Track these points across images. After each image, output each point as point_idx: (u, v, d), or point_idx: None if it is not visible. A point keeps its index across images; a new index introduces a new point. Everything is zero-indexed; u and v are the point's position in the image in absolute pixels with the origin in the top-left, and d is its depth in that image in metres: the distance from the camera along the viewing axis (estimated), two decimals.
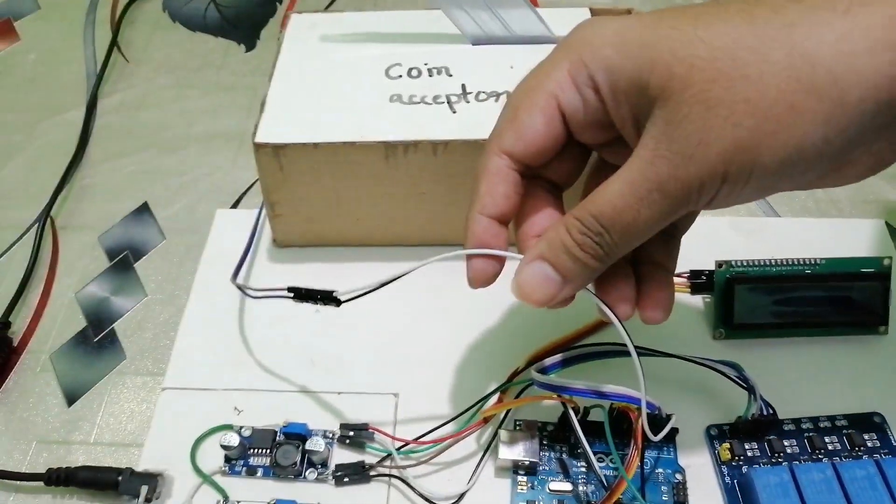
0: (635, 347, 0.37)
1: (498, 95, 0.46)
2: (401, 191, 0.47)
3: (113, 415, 0.46)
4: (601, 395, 0.38)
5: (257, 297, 0.44)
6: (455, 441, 0.42)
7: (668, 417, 0.40)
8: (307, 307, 0.43)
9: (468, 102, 0.46)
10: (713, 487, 0.41)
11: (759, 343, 0.47)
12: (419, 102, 0.46)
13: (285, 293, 0.42)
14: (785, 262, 0.46)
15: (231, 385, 0.46)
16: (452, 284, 0.50)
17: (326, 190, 0.47)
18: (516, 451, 0.41)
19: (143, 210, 0.56)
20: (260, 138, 0.44)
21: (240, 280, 0.49)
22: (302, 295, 0.41)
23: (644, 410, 0.36)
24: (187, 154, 0.60)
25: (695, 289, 0.49)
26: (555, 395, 0.39)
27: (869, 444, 0.42)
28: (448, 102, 0.46)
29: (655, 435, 0.37)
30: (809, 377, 0.45)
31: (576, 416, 0.40)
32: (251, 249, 0.51)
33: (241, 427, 0.43)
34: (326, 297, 0.41)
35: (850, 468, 0.39)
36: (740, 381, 0.41)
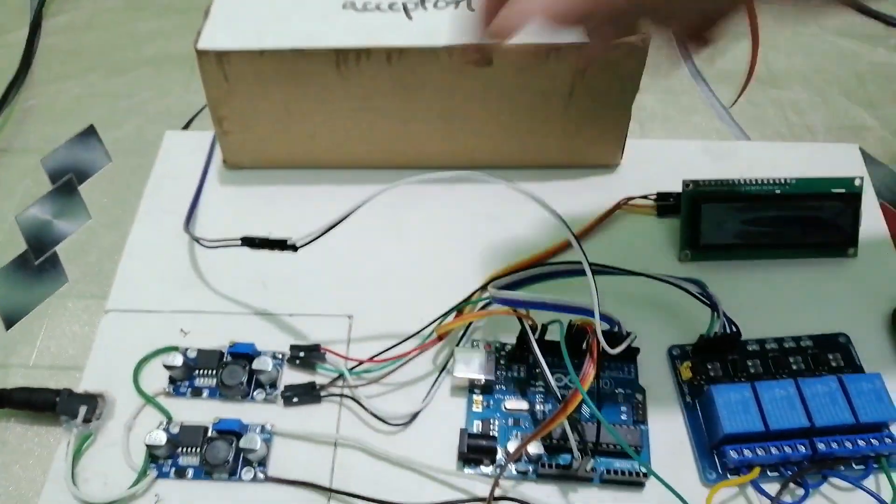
0: (592, 265, 0.35)
1: (457, 2, 0.44)
2: (354, 105, 0.45)
3: (54, 338, 0.44)
4: (557, 307, 0.36)
5: (211, 246, 0.43)
6: (409, 359, 0.41)
7: (628, 335, 0.38)
8: (259, 228, 0.41)
9: (426, 9, 0.43)
10: (673, 406, 0.40)
11: (726, 266, 0.45)
12: (374, 9, 0.43)
13: (238, 244, 0.40)
14: (754, 182, 0.44)
15: (178, 307, 0.44)
16: (410, 206, 0.49)
17: (275, 103, 0.44)
18: (472, 369, 0.39)
19: (89, 133, 0.54)
20: (202, 45, 0.42)
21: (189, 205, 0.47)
22: (256, 244, 0.40)
23: (598, 321, 0.35)
24: (137, 77, 0.57)
25: (661, 211, 0.48)
26: (511, 310, 0.38)
27: (833, 364, 0.41)
28: (404, 9, 0.43)
29: (613, 348, 0.36)
30: (776, 300, 0.44)
31: (533, 333, 0.38)
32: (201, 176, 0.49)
33: (186, 349, 0.41)
34: (282, 245, 0.39)
35: (811, 384, 0.38)
36: (703, 298, 0.40)
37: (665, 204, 0.47)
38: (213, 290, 0.45)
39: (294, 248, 0.39)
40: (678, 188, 0.45)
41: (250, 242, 0.40)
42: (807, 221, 0.45)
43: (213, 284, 0.45)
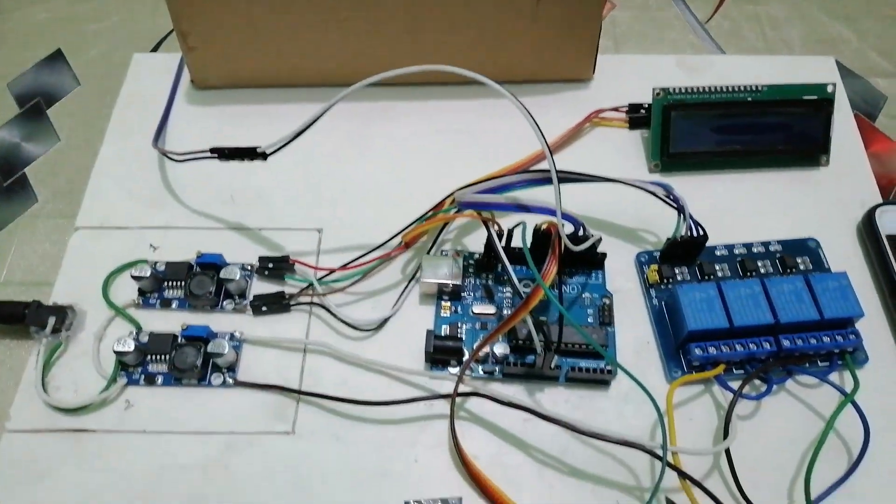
0: (559, 172, 0.35)
1: None
2: (320, 17, 0.44)
3: (24, 256, 0.44)
4: (520, 208, 0.36)
5: (180, 160, 0.42)
6: (377, 265, 0.41)
7: (593, 235, 0.38)
8: (227, 142, 0.41)
9: None
10: (640, 310, 0.40)
11: (697, 176, 0.45)
12: None
13: (208, 155, 0.40)
14: (725, 90, 0.44)
15: (147, 223, 0.44)
16: (380, 120, 0.48)
17: (239, 16, 0.44)
18: (439, 275, 0.39)
19: (57, 57, 0.53)
20: None
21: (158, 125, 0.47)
22: (226, 154, 0.40)
23: (559, 218, 0.35)
24: (103, 1, 0.56)
25: (633, 124, 0.47)
26: (476, 214, 0.38)
27: (801, 267, 0.41)
28: None
29: (576, 245, 0.36)
30: (746, 208, 0.44)
31: (499, 239, 0.38)
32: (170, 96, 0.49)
33: (155, 262, 0.41)
34: (251, 154, 0.39)
35: (777, 283, 0.38)
36: (669, 201, 0.39)
37: (636, 116, 0.47)
38: (183, 205, 0.45)
39: (264, 156, 0.39)
40: (649, 100, 0.45)
41: (220, 153, 0.40)
42: (779, 129, 0.44)
43: (183, 200, 0.45)
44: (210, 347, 0.38)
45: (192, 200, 0.45)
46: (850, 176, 0.45)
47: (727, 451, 0.34)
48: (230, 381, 0.38)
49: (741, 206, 0.44)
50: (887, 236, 0.41)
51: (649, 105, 0.46)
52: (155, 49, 0.53)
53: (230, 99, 0.49)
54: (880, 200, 0.44)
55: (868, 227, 0.43)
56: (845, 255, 0.42)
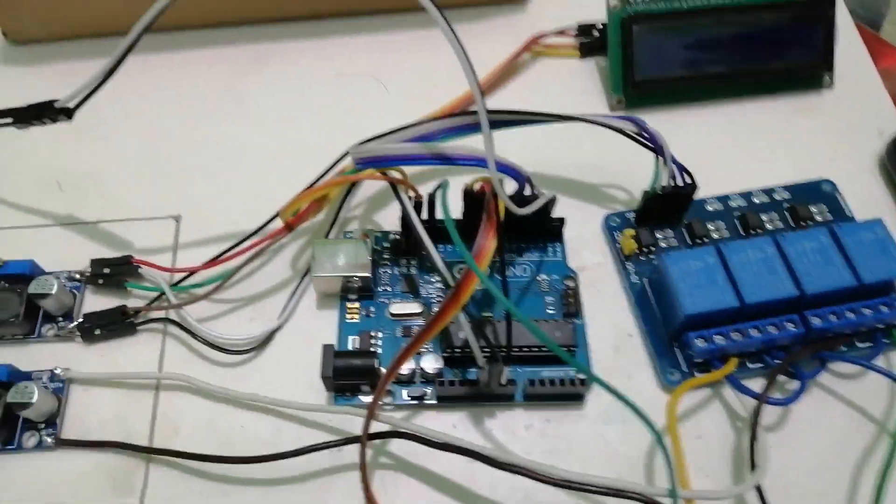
0: (491, 111, 0.24)
1: None
2: None
3: None
4: (439, 158, 0.25)
5: None
6: (251, 257, 0.29)
7: (543, 194, 0.28)
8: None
9: None
10: (616, 292, 0.30)
11: (672, 111, 0.35)
12: None
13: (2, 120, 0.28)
14: None
15: None
16: (255, 66, 0.37)
17: None
18: (340, 266, 0.28)
19: None
20: None
21: None
22: (21, 116, 0.28)
23: (493, 169, 0.24)
24: None
25: (585, 50, 0.37)
26: (378, 174, 0.27)
27: (818, 218, 0.32)
28: None
29: (521, 207, 0.26)
30: (737, 148, 0.34)
31: (417, 211, 0.27)
32: None
33: None
34: (49, 111, 0.27)
35: (795, 241, 0.28)
36: (643, 140, 0.29)
37: (588, 40, 0.36)
38: None
39: (68, 111, 0.27)
40: (603, 18, 0.35)
41: (13, 115, 0.28)
42: (767, 41, 0.34)
43: None
44: (12, 396, 0.26)
45: (2, 191, 0.33)
46: (861, 98, 0.36)
47: (757, 487, 0.24)
48: (49, 440, 0.27)
49: (731, 146, 0.34)
50: None
51: (604, 24, 0.35)
52: None
53: (55, 55, 0.37)
54: None
55: (893, 160, 0.33)
56: (869, 199, 0.33)
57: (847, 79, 0.36)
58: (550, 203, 0.28)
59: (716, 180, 0.32)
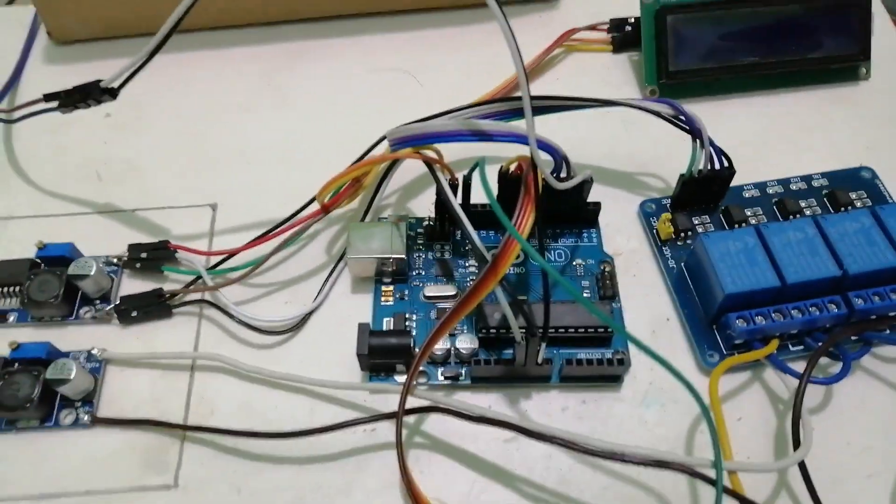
0: (535, 97, 0.24)
1: None
2: None
3: None
4: (477, 135, 0.25)
5: (14, 119, 0.32)
6: (290, 241, 0.29)
7: (584, 174, 0.28)
8: (99, 112, 0.30)
9: None
10: (653, 276, 0.30)
11: (706, 102, 0.35)
12: None
13: (45, 105, 0.29)
14: None
15: None
16: (292, 62, 0.38)
17: None
18: (375, 248, 0.28)
19: None
20: None
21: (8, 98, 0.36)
22: (65, 100, 0.29)
23: (534, 145, 0.24)
24: None
25: (618, 45, 0.37)
26: (415, 153, 0.27)
27: (858, 204, 0.31)
28: None
29: (560, 182, 0.25)
30: (774, 137, 0.34)
31: (453, 191, 0.27)
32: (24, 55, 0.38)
33: None
34: (94, 91, 0.28)
35: (837, 222, 0.27)
36: (680, 123, 0.29)
37: (621, 35, 0.37)
38: (31, 187, 0.33)
39: (112, 91, 0.28)
40: (635, 13, 0.35)
41: (57, 98, 0.29)
42: (802, 32, 0.34)
43: (32, 180, 0.34)
44: (50, 372, 0.26)
45: (44, 180, 0.34)
46: None
47: (801, 464, 0.24)
48: (86, 418, 0.27)
49: (766, 136, 0.34)
50: None
51: (636, 18, 0.35)
52: (10, 2, 0.42)
53: (97, 53, 0.38)
54: None
55: None
56: None
57: (883, 69, 0.36)
58: (587, 183, 0.28)
59: (752, 169, 0.32)
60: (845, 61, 0.35)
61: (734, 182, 0.30)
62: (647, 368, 0.27)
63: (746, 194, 0.31)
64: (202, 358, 0.28)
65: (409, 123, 0.28)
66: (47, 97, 0.29)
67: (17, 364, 0.27)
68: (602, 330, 0.27)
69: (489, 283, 0.23)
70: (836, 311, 0.26)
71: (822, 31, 0.34)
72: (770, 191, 0.32)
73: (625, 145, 0.33)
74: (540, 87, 0.36)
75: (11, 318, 0.29)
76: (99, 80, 0.27)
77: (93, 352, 0.28)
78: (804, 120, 0.34)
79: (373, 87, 0.36)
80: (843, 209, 0.31)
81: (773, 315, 0.26)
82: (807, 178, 0.32)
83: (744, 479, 0.23)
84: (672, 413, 0.26)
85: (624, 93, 0.36)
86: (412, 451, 0.26)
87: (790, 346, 0.27)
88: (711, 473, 0.22)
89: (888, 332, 0.27)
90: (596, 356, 0.26)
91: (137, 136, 0.35)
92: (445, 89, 0.36)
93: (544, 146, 0.26)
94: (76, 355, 0.28)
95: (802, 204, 0.31)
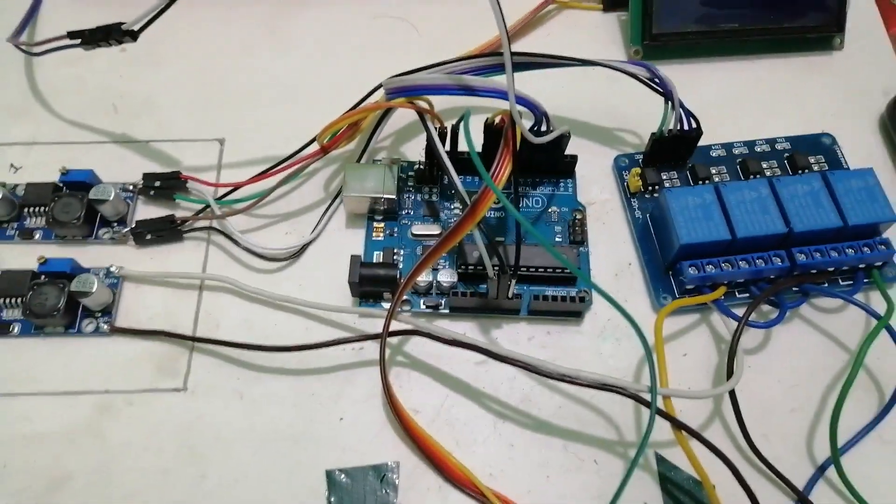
0: (515, 53, 0.27)
1: None
2: None
3: None
4: (465, 89, 0.28)
5: (38, 53, 0.34)
6: (292, 176, 0.32)
7: (562, 129, 0.30)
8: (119, 55, 0.33)
9: None
10: (620, 225, 0.33)
11: (685, 64, 0.37)
12: None
13: (68, 41, 0.31)
14: None
15: (6, 138, 0.35)
16: (295, 4, 0.40)
17: None
18: (369, 188, 0.31)
19: None
20: None
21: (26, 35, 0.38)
22: (88, 38, 0.31)
23: (513, 102, 0.26)
24: None
25: (608, 4, 0.39)
26: (408, 102, 0.29)
27: (815, 168, 0.34)
28: None
29: (538, 136, 0.28)
30: (746, 100, 0.36)
31: (441, 140, 0.30)
32: None
33: (14, 185, 0.33)
34: (116, 32, 0.30)
35: (789, 184, 0.30)
36: (653, 84, 0.31)
37: None
38: (54, 116, 0.36)
39: (133, 34, 0.30)
40: None
41: (81, 36, 0.31)
42: (782, 1, 0.36)
43: (55, 110, 0.36)
44: (74, 285, 0.29)
45: (65, 110, 0.36)
46: (869, 61, 0.38)
47: (731, 394, 0.27)
48: (105, 327, 0.30)
49: (740, 99, 0.36)
50: None
51: None
52: None
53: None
54: None
55: (893, 119, 0.35)
56: (867, 154, 0.35)
57: (857, 41, 0.38)
58: (565, 138, 0.31)
59: (724, 130, 0.34)
60: (821, 31, 0.37)
61: (704, 141, 0.33)
62: (607, 307, 0.30)
63: (714, 153, 0.34)
64: (210, 279, 0.31)
65: (404, 74, 0.30)
66: (71, 34, 0.31)
67: (43, 276, 0.30)
68: (568, 271, 0.30)
69: (467, 225, 0.26)
70: (780, 263, 0.29)
71: (801, 2, 0.36)
72: (736, 151, 0.34)
73: (606, 103, 0.35)
74: (531, 42, 0.38)
75: (38, 236, 0.32)
76: (121, 23, 0.30)
77: (111, 269, 0.31)
78: (777, 86, 0.37)
79: (373, 33, 0.38)
80: (799, 172, 0.33)
81: (722, 265, 0.29)
82: (771, 141, 0.34)
83: (681, 406, 0.27)
84: (625, 347, 0.30)
85: (611, 52, 0.38)
86: (394, 368, 0.29)
87: (737, 294, 0.30)
88: (649, 398, 0.25)
89: (826, 284, 0.31)
90: (561, 294, 0.30)
91: (151, 71, 0.37)
92: (441, 38, 0.38)
93: (525, 102, 0.28)
94: (96, 271, 0.31)
95: (764, 165, 0.34)
